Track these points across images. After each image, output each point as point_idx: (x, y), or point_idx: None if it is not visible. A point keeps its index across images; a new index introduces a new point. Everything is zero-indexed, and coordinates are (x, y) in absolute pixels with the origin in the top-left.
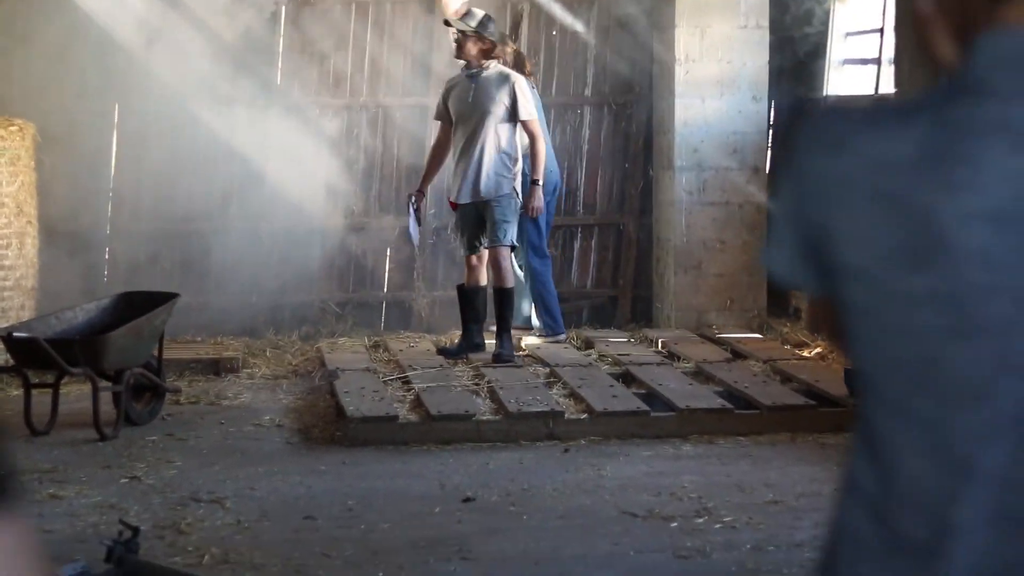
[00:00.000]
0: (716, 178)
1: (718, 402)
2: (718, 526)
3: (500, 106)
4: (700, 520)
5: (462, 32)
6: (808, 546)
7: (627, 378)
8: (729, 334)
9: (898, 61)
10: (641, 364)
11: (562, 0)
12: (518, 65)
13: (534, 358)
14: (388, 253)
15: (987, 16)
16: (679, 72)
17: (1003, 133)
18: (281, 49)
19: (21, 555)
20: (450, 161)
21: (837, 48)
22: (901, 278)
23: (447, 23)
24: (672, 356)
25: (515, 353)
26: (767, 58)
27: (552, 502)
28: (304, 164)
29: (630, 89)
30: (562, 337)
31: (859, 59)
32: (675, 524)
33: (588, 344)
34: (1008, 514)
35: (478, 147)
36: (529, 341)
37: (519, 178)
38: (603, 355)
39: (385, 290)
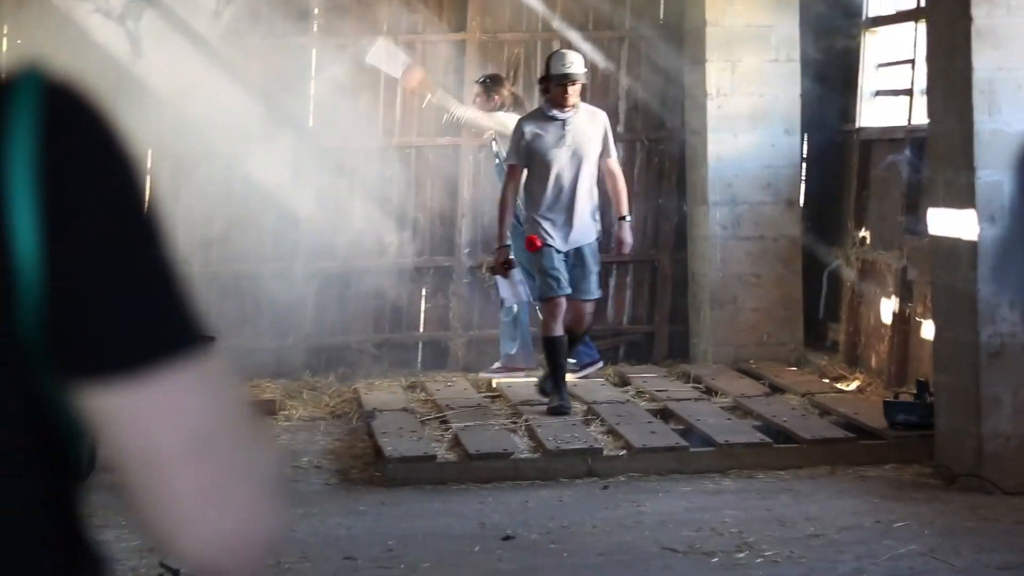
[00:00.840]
0: (750, 212)
1: (757, 436)
2: (759, 560)
3: (594, 147)
4: (741, 555)
5: (577, 81)
6: None
7: (665, 414)
8: (766, 368)
9: (930, 91)
10: (679, 400)
11: (592, 37)
12: (518, 105)
13: (572, 396)
14: (423, 293)
15: None
16: (711, 107)
17: None
18: (313, 91)
19: (227, 375)
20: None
21: (869, 79)
22: None
23: (566, 77)
24: (710, 391)
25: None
26: (799, 91)
27: (592, 539)
28: (338, 205)
29: (662, 125)
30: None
31: (891, 90)
32: (716, 559)
33: (625, 381)
34: None
35: (576, 191)
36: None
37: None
38: (640, 391)
39: (421, 330)
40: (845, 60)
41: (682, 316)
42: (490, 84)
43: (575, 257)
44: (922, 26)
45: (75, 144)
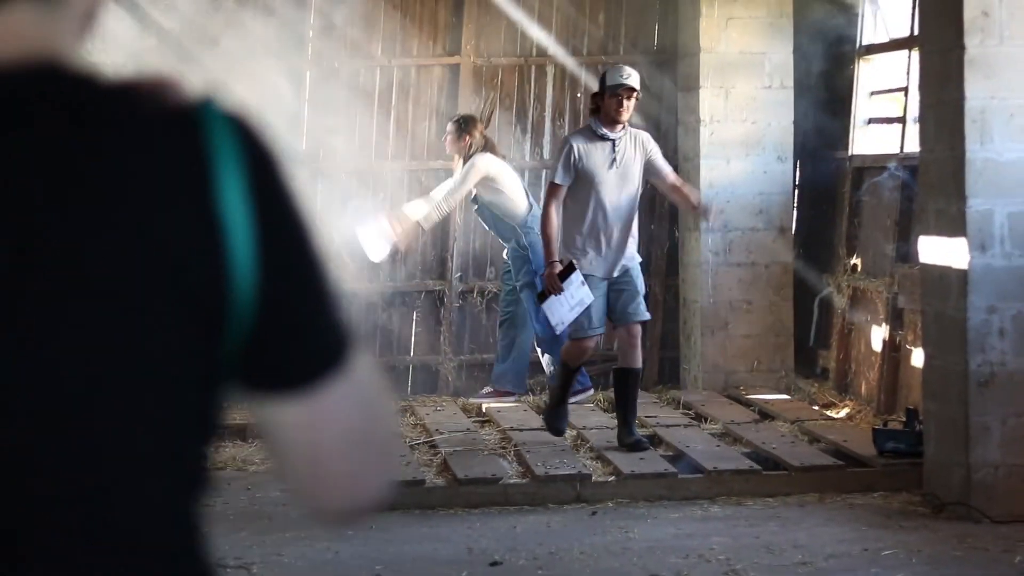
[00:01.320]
0: (742, 239)
1: (746, 463)
2: None
3: (639, 171)
4: None
5: (634, 93)
6: None
7: (654, 440)
8: (757, 395)
9: (923, 120)
10: (668, 426)
11: (586, 63)
12: (488, 149)
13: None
14: (415, 317)
15: None
16: (704, 133)
17: None
18: (307, 114)
19: (374, 377)
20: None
21: (862, 107)
22: None
23: (623, 87)
24: (699, 417)
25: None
26: (792, 118)
27: (580, 565)
28: (330, 228)
29: None
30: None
31: (884, 118)
32: None
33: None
34: None
35: (621, 216)
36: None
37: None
38: None
39: (411, 354)
40: (838, 87)
41: (673, 342)
42: (463, 125)
43: (622, 281)
44: (915, 54)
45: (269, 174)
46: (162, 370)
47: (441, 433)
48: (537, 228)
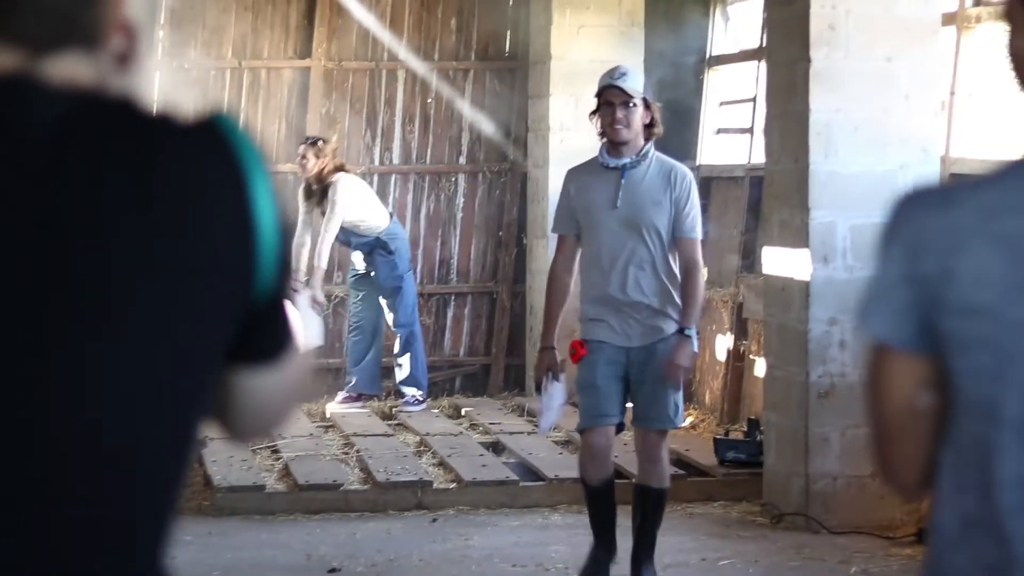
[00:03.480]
0: None
1: None
2: None
3: (660, 213)
4: None
5: (629, 99)
6: None
7: (497, 447)
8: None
9: (768, 131)
10: (512, 433)
11: (438, 68)
12: (340, 167)
13: (405, 427)
14: None
15: None
16: (553, 140)
17: None
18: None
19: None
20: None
21: (710, 117)
22: (1022, 307)
23: (611, 91)
24: None
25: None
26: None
27: (418, 573)
28: None
29: (505, 157)
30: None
31: (732, 128)
32: None
33: (459, 413)
34: None
35: (629, 271)
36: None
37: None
38: (474, 424)
39: None
40: (688, 97)
41: (520, 349)
42: (314, 146)
43: (646, 366)
44: (763, 65)
45: (270, 178)
46: (200, 361)
47: (284, 438)
48: (400, 234)
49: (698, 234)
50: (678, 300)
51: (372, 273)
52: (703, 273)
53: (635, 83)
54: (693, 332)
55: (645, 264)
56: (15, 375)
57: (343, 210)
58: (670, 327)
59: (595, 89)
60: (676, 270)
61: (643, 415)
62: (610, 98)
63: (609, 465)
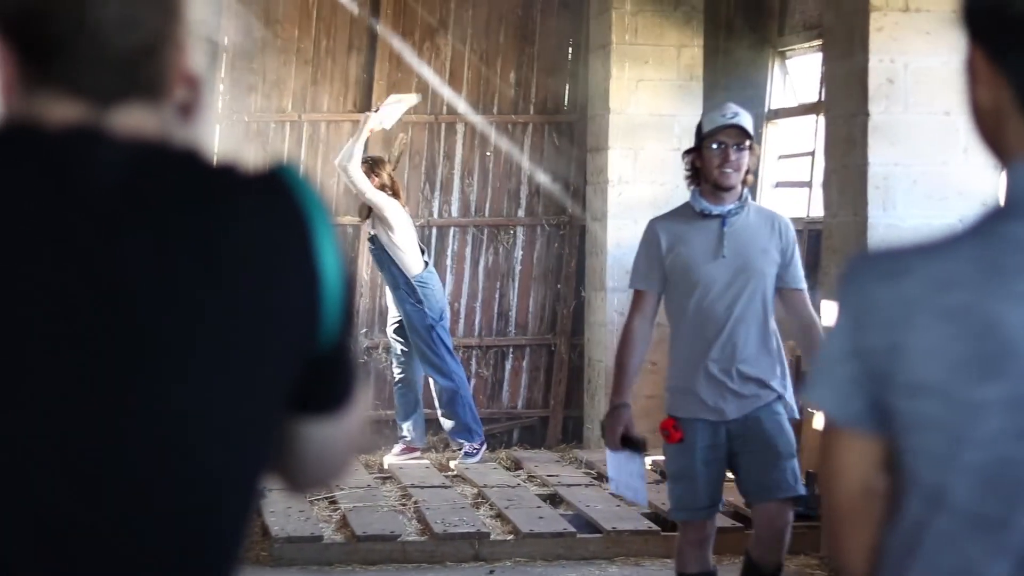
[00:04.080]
0: None
1: (645, 524)
2: None
3: (769, 263)
4: None
5: (744, 140)
6: None
7: (555, 499)
8: (658, 455)
9: (827, 185)
10: (569, 485)
11: (496, 121)
12: (394, 193)
13: (463, 479)
14: None
15: (1020, 142)
16: (612, 193)
17: None
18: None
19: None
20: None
21: (769, 170)
22: (974, 387)
23: (726, 130)
24: (601, 477)
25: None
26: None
27: None
28: None
29: (563, 210)
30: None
31: (791, 182)
32: None
33: (517, 464)
34: None
35: (738, 328)
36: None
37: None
38: (532, 476)
39: None
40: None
41: (578, 401)
42: (372, 163)
43: (752, 432)
44: (822, 119)
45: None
46: (266, 412)
47: (341, 489)
48: (432, 283)
49: (803, 281)
50: (776, 361)
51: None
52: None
53: (748, 122)
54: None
55: (752, 320)
56: (85, 429)
57: (372, 190)
58: (770, 391)
59: (656, 144)
60: (775, 327)
61: (760, 487)
62: (724, 138)
63: (708, 556)
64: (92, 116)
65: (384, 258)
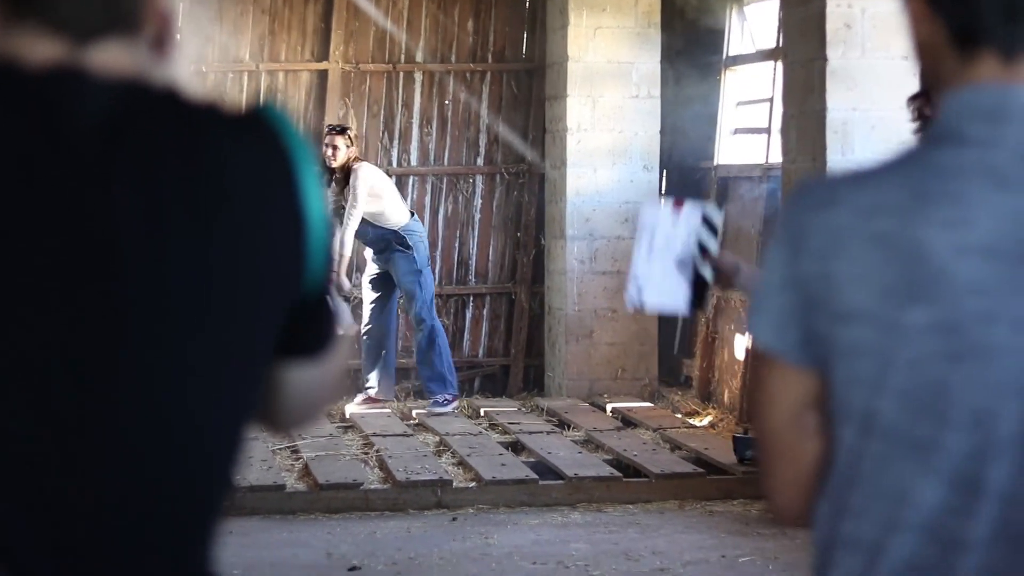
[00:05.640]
0: (607, 247)
1: (607, 470)
2: None
3: None
4: None
5: None
6: None
7: (517, 447)
8: (620, 403)
9: (785, 130)
10: (531, 433)
11: (454, 70)
12: (359, 158)
13: (424, 427)
14: None
15: (957, 75)
16: (571, 142)
17: (986, 174)
18: None
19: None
20: None
21: (728, 117)
22: (903, 311)
23: None
24: (562, 424)
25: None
26: (659, 127)
27: (438, 571)
28: None
29: (522, 159)
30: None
31: (749, 128)
32: None
33: (478, 413)
34: (1013, 531)
35: None
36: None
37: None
38: (493, 424)
39: None
40: (705, 98)
41: (538, 349)
42: (349, 136)
43: None
44: (780, 65)
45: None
46: (254, 357)
47: (304, 438)
48: (419, 231)
49: None
50: None
51: (389, 271)
52: None
53: None
54: None
55: None
56: (70, 371)
57: (365, 199)
58: None
59: (614, 92)
60: None
61: None
62: None
63: None
64: (73, 54)
65: (367, 230)
